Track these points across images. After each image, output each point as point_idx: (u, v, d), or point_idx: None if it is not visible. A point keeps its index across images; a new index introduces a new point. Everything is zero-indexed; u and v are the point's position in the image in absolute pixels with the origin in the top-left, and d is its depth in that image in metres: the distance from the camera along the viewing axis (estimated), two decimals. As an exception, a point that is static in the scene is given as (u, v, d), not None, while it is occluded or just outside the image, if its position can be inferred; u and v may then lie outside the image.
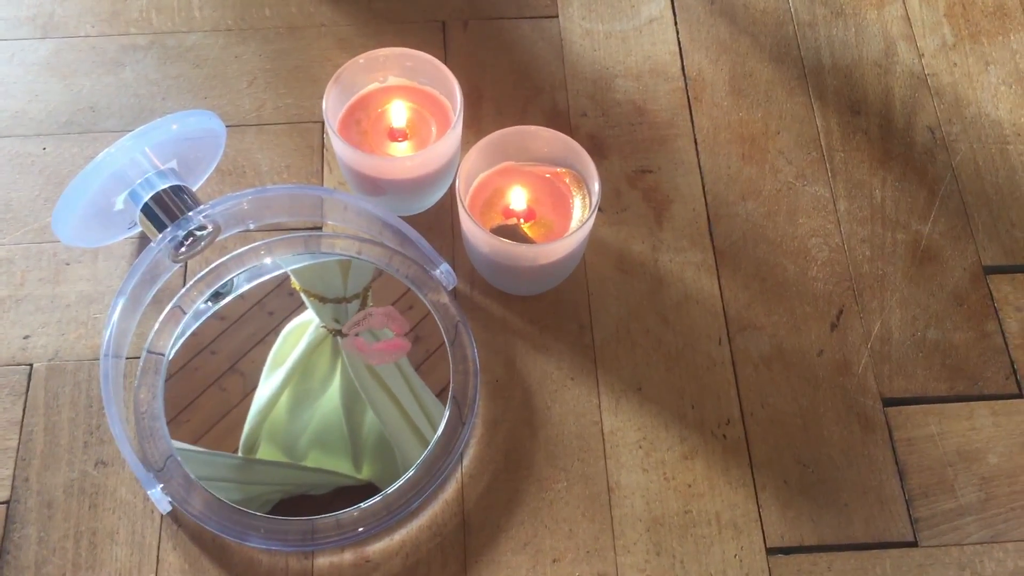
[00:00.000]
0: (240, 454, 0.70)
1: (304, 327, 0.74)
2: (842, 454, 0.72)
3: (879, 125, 0.85)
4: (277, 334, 0.74)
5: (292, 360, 0.73)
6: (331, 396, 0.72)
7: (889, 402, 0.74)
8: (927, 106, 0.86)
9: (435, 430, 0.69)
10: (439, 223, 0.80)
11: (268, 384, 0.72)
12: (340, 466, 0.70)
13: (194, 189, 0.73)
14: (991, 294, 0.78)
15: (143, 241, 0.78)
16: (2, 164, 0.81)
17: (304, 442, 0.71)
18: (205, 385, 0.72)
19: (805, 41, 0.90)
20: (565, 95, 0.86)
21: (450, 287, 0.74)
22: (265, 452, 0.70)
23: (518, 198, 0.74)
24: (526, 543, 0.68)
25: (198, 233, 0.70)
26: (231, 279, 0.74)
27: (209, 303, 0.74)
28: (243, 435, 0.70)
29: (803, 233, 0.80)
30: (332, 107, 0.74)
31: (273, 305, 0.75)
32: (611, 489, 0.70)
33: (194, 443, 0.69)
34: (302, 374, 0.73)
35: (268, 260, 0.75)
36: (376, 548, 0.68)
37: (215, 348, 0.73)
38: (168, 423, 0.69)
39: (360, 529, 0.67)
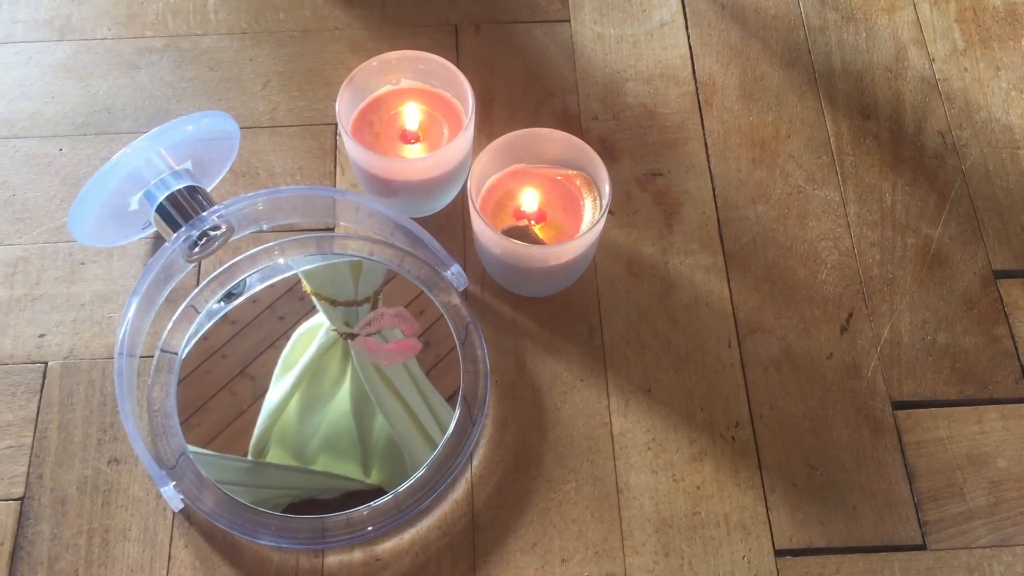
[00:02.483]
0: (250, 458, 0.70)
1: (315, 331, 0.74)
2: (851, 457, 0.72)
3: (889, 129, 0.86)
4: (288, 338, 0.74)
5: (302, 364, 0.73)
6: (341, 400, 0.72)
7: (898, 405, 0.74)
8: (937, 111, 0.86)
9: (444, 433, 0.70)
10: (450, 225, 0.80)
11: (278, 388, 0.72)
12: (349, 470, 0.70)
13: (208, 190, 0.73)
14: (1001, 298, 0.78)
15: (157, 241, 0.79)
16: (19, 165, 0.82)
17: (313, 446, 0.71)
18: (216, 389, 0.72)
19: (816, 46, 0.90)
20: (576, 98, 0.87)
21: (461, 288, 0.74)
22: (275, 456, 0.71)
23: (529, 200, 0.74)
24: (535, 543, 0.69)
25: (212, 233, 0.70)
26: (244, 279, 0.75)
27: (222, 303, 0.74)
28: (253, 439, 0.70)
29: (813, 237, 0.80)
30: (345, 109, 0.75)
31: (284, 309, 0.75)
32: (620, 490, 0.70)
33: (204, 446, 0.70)
34: (312, 378, 0.73)
35: (281, 260, 0.75)
36: (386, 547, 0.68)
37: (226, 352, 0.73)
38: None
39: (370, 528, 0.67)
